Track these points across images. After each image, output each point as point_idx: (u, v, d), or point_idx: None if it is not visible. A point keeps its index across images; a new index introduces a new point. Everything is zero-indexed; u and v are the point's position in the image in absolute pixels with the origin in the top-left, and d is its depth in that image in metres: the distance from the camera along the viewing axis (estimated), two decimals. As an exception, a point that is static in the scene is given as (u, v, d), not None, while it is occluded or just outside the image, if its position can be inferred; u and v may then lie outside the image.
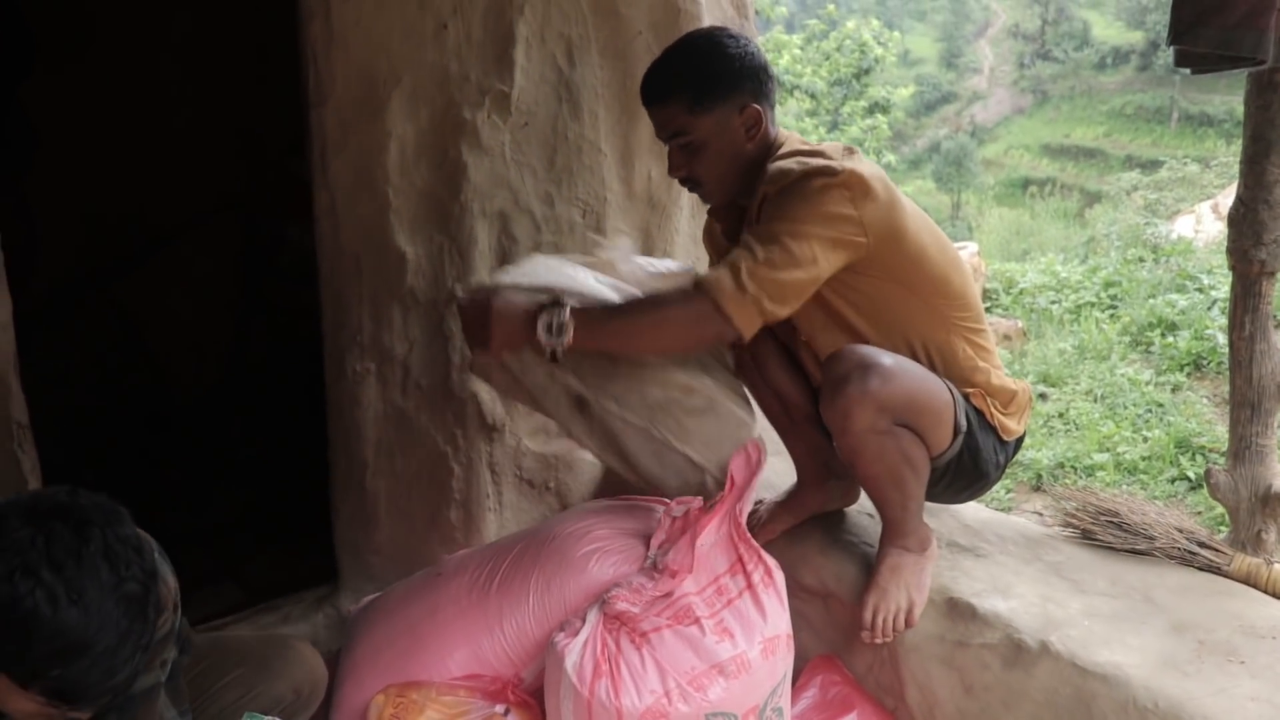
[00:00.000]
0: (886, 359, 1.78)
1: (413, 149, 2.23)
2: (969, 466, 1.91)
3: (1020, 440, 2.03)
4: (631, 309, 1.81)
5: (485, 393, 2.38)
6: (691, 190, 1.99)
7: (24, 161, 3.35)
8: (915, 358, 1.89)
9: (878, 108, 19.37)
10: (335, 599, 2.40)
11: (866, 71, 19.47)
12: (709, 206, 2.10)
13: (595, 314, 1.77)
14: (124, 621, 1.20)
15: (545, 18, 2.31)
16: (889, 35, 20.52)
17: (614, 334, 1.79)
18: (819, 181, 1.75)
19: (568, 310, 1.74)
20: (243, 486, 3.34)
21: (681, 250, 2.71)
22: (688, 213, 2.70)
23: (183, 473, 3.39)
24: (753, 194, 1.90)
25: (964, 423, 1.87)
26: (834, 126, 18.84)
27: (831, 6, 21.27)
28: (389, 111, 2.17)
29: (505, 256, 2.39)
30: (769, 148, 1.90)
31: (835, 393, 1.78)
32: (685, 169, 1.92)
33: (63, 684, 1.18)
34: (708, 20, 2.49)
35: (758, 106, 1.87)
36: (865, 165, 1.79)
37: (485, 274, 2.37)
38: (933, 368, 1.90)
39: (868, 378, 1.75)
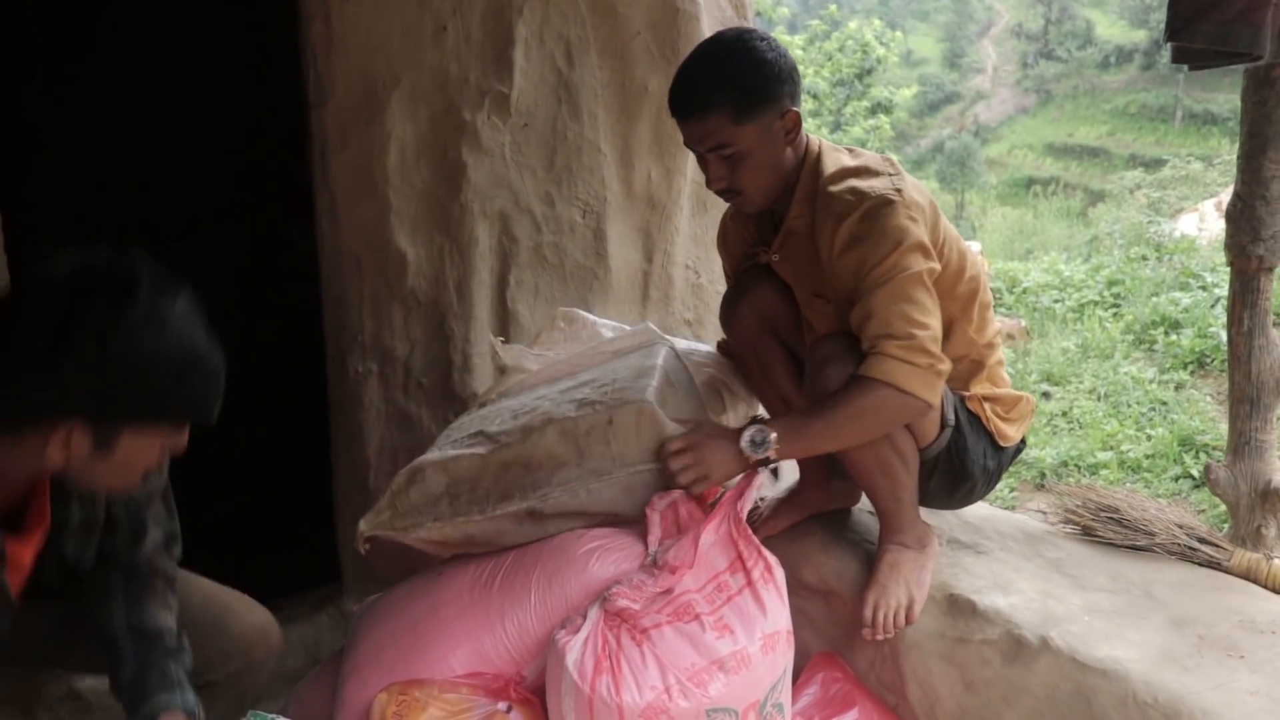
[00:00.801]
0: None
1: (413, 150, 2.24)
2: (956, 464, 1.91)
3: (1020, 448, 2.03)
4: (823, 412, 1.76)
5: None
6: (729, 200, 1.91)
7: (29, 166, 3.37)
8: None
9: (880, 108, 19.38)
10: (339, 599, 2.42)
11: (869, 72, 19.48)
12: (727, 211, 2.08)
13: (789, 424, 1.78)
14: (204, 337, 1.29)
15: (544, 19, 2.32)
16: (891, 35, 20.54)
17: (818, 438, 1.78)
18: (893, 224, 1.71)
19: (767, 429, 1.76)
20: (246, 487, 3.35)
21: (682, 249, 2.72)
22: (687, 212, 2.70)
23: (185, 473, 3.39)
24: (785, 203, 1.88)
25: (951, 417, 1.87)
26: (837, 127, 18.85)
27: (834, 7, 21.29)
28: (389, 113, 2.19)
29: (506, 256, 2.40)
30: (803, 152, 1.88)
31: (817, 375, 1.80)
32: (727, 180, 1.82)
33: (191, 399, 1.28)
34: (706, 20, 2.49)
35: (797, 110, 1.82)
36: (909, 181, 1.79)
37: (485, 274, 2.38)
38: (950, 384, 1.90)
39: (848, 361, 1.75)
